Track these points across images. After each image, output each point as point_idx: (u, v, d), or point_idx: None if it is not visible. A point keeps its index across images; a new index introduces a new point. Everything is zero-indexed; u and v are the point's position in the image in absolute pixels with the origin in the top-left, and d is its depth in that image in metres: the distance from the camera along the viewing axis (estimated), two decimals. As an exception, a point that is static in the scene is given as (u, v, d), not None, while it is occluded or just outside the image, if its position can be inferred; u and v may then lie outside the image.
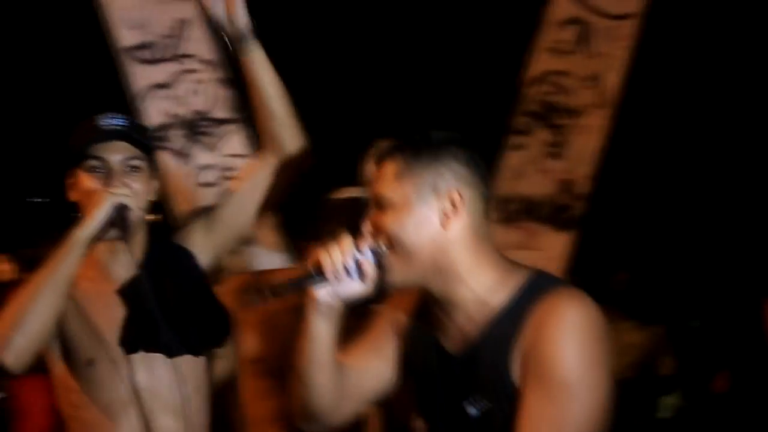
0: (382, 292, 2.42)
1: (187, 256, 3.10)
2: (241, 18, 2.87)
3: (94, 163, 2.92)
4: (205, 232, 3.10)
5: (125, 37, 4.96)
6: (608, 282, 6.66)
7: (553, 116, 5.32)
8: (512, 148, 5.35)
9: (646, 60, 5.47)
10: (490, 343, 2.27)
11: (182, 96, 4.94)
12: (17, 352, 2.72)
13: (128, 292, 2.95)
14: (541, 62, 5.37)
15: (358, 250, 2.36)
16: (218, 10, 2.87)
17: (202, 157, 4.93)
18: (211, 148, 4.91)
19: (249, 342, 3.73)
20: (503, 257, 2.38)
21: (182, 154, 4.91)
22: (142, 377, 2.91)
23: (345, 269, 2.37)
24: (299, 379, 2.56)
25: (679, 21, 6.95)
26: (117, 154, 2.93)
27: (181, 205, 4.87)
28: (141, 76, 4.95)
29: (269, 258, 4.73)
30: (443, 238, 2.31)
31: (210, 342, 3.09)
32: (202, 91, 4.95)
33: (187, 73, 4.96)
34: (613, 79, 5.30)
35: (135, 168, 2.95)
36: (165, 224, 3.48)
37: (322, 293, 2.41)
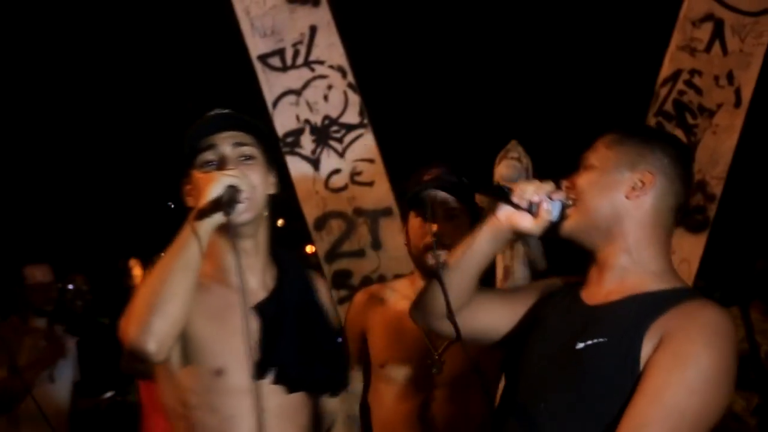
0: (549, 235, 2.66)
1: (315, 289, 3.09)
2: None
3: (206, 155, 2.85)
4: None
5: (259, 45, 5.07)
6: (748, 272, 6.51)
7: (686, 116, 5.23)
8: (644, 148, 5.27)
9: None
10: (633, 306, 2.44)
11: (313, 102, 5.02)
12: (159, 337, 2.59)
13: (262, 308, 2.86)
14: (674, 61, 5.28)
15: (549, 196, 2.61)
16: None
17: (331, 162, 5.00)
18: (340, 153, 4.98)
19: (377, 347, 3.78)
20: (671, 258, 2.57)
21: (312, 160, 4.99)
22: (268, 396, 2.80)
23: (529, 203, 2.62)
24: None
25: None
26: (229, 141, 2.87)
27: (311, 210, 4.97)
28: (273, 83, 5.04)
29: (397, 263, 4.78)
30: (623, 207, 2.53)
31: (330, 383, 3.02)
32: (332, 97, 5.03)
33: (317, 79, 5.04)
34: (747, 78, 5.19)
35: (249, 157, 2.88)
36: (290, 229, 3.48)
37: (502, 212, 2.67)
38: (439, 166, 3.75)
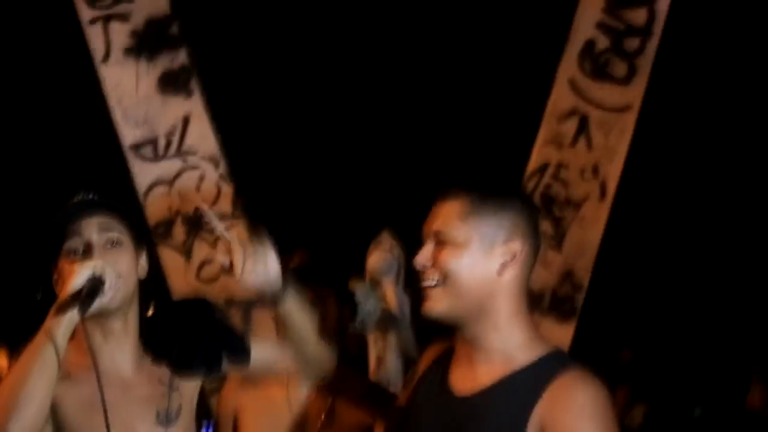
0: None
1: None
2: (278, 282, 2.80)
3: (72, 243, 2.75)
4: None
5: (131, 134, 5.03)
6: (613, 360, 6.64)
7: (554, 208, 5.34)
8: (513, 239, 5.35)
9: (643, 151, 5.51)
10: (507, 394, 2.36)
11: (185, 192, 5.00)
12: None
13: (129, 386, 2.83)
14: (541, 154, 5.40)
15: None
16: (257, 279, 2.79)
17: (203, 252, 4.97)
18: (212, 243, 4.95)
19: (248, 430, 3.77)
20: (532, 321, 2.49)
21: (184, 251, 4.96)
22: None
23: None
24: None
25: (675, 113, 7.01)
26: (94, 227, 2.77)
27: (182, 301, 4.91)
28: (145, 172, 5.01)
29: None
30: (495, 283, 2.42)
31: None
32: (204, 187, 5.01)
33: (189, 169, 5.02)
34: (612, 171, 5.33)
35: (116, 242, 2.78)
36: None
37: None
38: (302, 254, 3.80)
